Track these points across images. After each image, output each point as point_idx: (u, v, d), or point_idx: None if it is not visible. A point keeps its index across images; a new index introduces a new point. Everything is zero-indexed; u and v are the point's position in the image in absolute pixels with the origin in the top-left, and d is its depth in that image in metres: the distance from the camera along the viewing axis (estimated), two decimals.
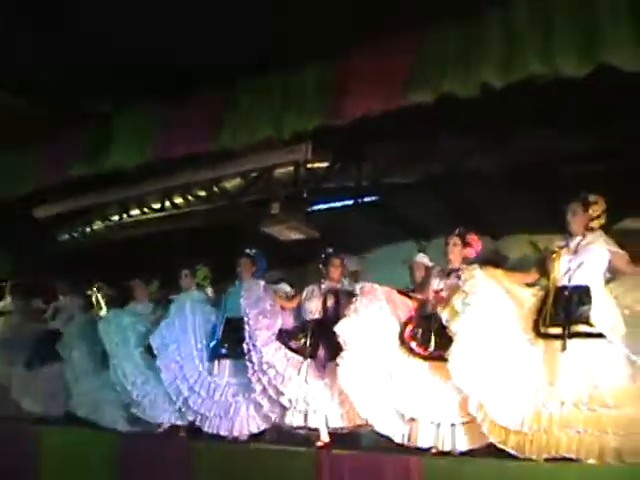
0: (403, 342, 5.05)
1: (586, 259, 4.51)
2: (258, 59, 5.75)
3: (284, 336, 5.79)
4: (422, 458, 4.66)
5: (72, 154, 6.87)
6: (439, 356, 4.82)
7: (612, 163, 5.95)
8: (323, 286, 5.89)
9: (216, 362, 6.15)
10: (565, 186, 6.19)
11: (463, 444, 4.71)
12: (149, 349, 6.40)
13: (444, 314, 4.73)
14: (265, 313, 5.85)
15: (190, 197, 8.61)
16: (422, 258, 6.03)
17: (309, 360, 5.63)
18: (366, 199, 7.87)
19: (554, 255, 4.63)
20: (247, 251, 6.47)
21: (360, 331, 5.06)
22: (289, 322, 5.99)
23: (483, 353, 4.52)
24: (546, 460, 4.21)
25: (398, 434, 4.94)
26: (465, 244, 5.26)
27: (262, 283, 6.14)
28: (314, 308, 5.82)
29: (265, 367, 5.59)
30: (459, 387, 4.58)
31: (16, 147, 7.36)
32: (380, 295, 5.23)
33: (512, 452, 4.35)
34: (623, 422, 4.07)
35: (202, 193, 8.48)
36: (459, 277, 4.82)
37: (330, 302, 5.77)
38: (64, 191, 7.95)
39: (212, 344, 6.21)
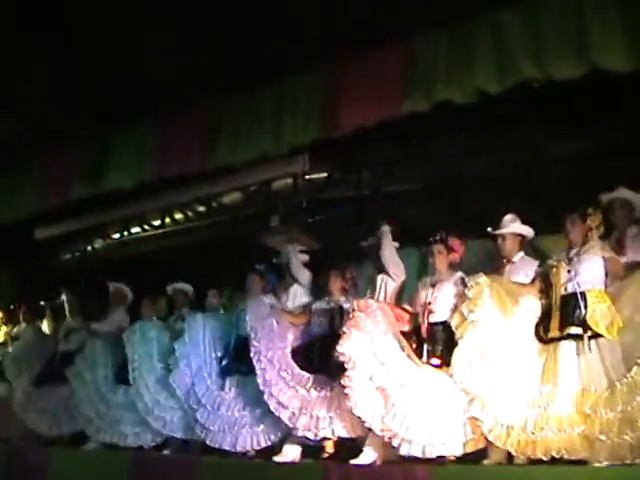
0: (408, 354, 4.98)
1: (582, 268, 4.60)
2: (251, 73, 5.77)
3: (293, 352, 5.67)
4: (430, 467, 4.63)
5: (71, 175, 6.88)
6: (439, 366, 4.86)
7: (610, 163, 5.96)
8: (328, 302, 5.79)
9: (228, 378, 6.06)
10: (563, 187, 6.23)
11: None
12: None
13: (453, 320, 4.77)
14: (271, 331, 5.72)
15: (190, 213, 8.63)
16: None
17: (316, 375, 5.48)
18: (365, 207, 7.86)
19: (554, 267, 4.74)
20: (256, 267, 6.44)
21: (361, 347, 4.96)
22: (298, 337, 5.86)
23: (488, 358, 4.59)
24: (551, 461, 4.26)
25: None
26: (449, 250, 5.21)
27: (267, 301, 6.03)
28: (323, 323, 5.70)
29: (272, 386, 5.47)
30: (463, 390, 4.63)
31: (16, 170, 7.40)
32: (375, 309, 5.13)
33: (514, 453, 4.44)
34: (614, 424, 4.14)
35: (202, 209, 8.50)
36: (465, 285, 4.84)
37: (337, 318, 5.60)
38: (65, 211, 7.98)
39: (224, 361, 6.11)
